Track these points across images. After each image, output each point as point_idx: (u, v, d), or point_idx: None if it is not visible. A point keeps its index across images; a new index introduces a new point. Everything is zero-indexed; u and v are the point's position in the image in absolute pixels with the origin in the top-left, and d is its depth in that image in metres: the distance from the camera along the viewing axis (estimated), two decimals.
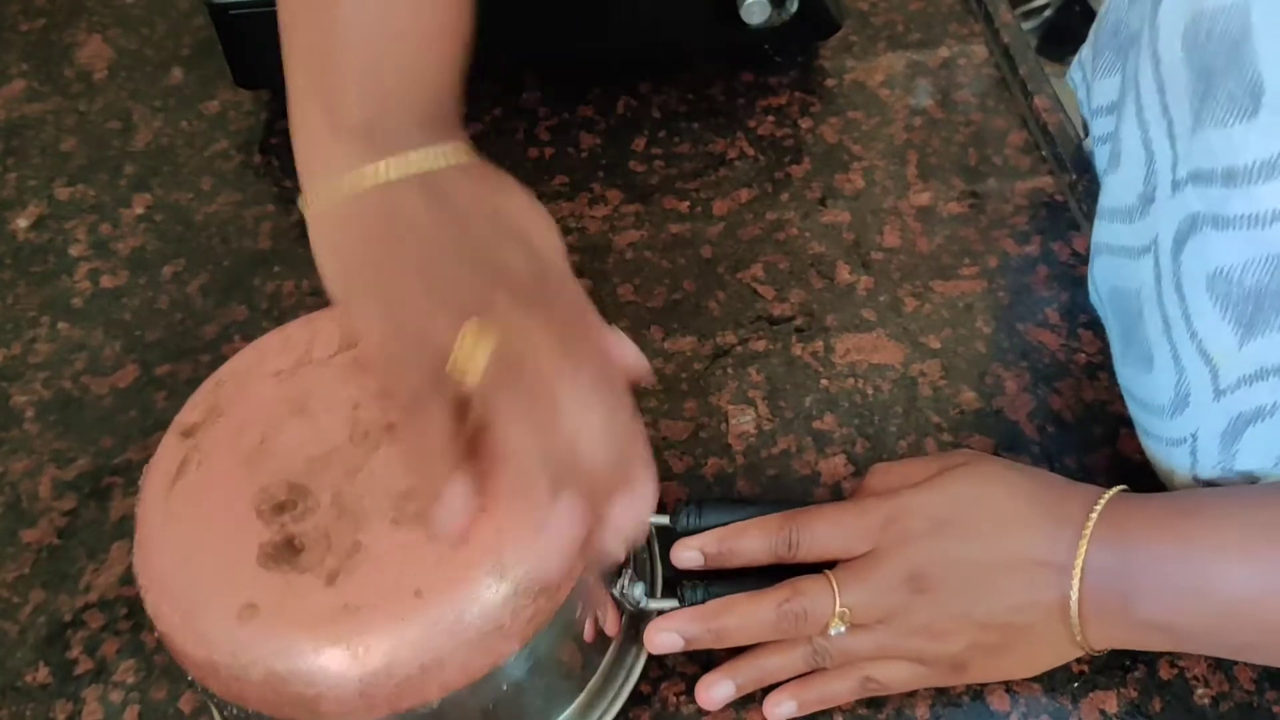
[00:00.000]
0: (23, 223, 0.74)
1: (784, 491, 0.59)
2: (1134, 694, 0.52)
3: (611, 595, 0.50)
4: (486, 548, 0.44)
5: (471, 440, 0.44)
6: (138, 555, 0.46)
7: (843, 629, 0.49)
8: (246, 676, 0.43)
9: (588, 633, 0.49)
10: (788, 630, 0.50)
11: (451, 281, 0.45)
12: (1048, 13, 1.19)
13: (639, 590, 0.51)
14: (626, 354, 0.48)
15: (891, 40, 0.81)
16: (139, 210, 0.74)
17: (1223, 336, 0.48)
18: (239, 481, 0.46)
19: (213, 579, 0.44)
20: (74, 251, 0.72)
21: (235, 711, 0.45)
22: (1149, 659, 0.53)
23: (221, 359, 0.65)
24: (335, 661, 0.42)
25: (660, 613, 0.52)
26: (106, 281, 0.70)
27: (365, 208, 0.48)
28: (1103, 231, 0.58)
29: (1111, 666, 0.52)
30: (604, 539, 0.43)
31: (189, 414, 0.49)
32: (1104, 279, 0.59)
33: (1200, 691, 0.52)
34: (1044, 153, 0.74)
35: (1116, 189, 0.55)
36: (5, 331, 0.68)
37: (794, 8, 0.73)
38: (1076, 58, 0.69)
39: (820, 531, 0.50)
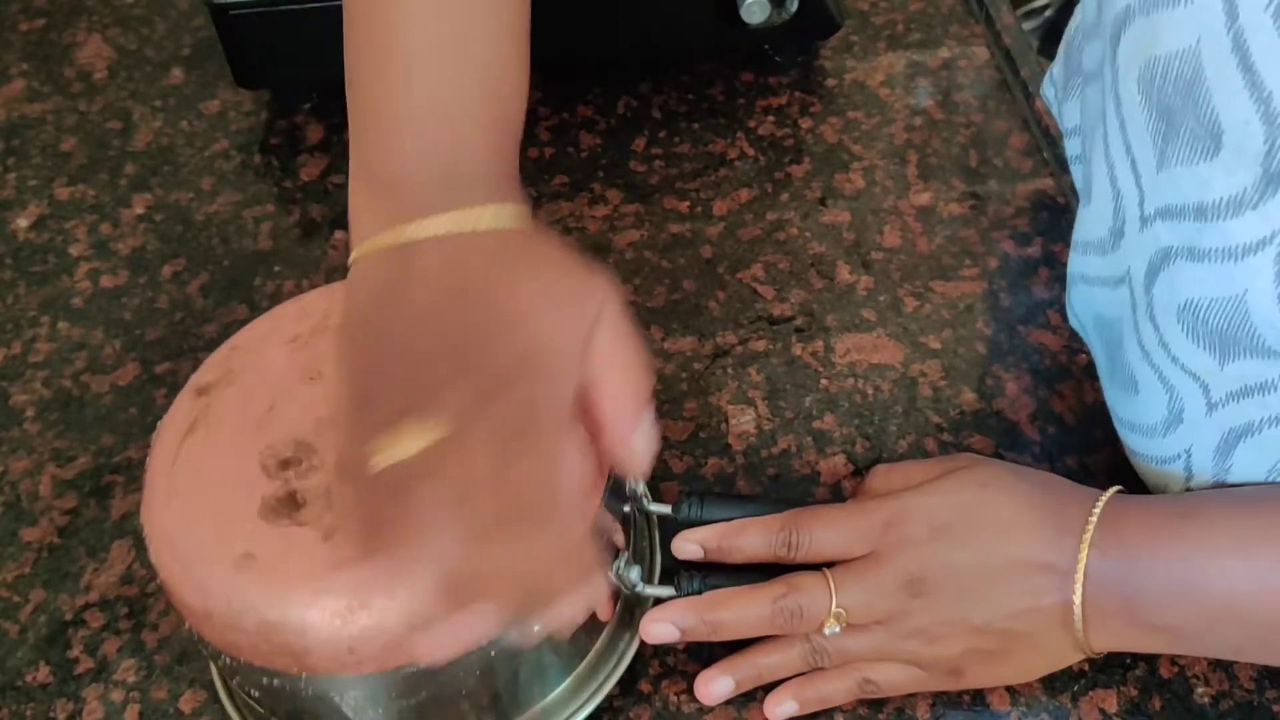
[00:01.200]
0: (23, 223, 0.74)
1: (784, 491, 0.59)
2: (1134, 693, 0.52)
3: (607, 578, 0.50)
4: None
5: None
6: (145, 505, 0.47)
7: (838, 629, 0.49)
8: (240, 625, 0.43)
9: None
10: (782, 626, 0.50)
11: (416, 364, 0.43)
12: (1049, 13, 1.19)
13: (635, 574, 0.51)
14: (627, 451, 0.46)
15: (892, 40, 0.81)
16: (139, 210, 0.74)
17: (1202, 360, 0.48)
18: (247, 439, 0.47)
19: (214, 529, 0.45)
20: (74, 251, 0.72)
21: (229, 663, 0.46)
22: (1149, 658, 0.53)
23: None
24: (326, 615, 0.43)
25: (656, 600, 0.52)
26: (106, 281, 0.70)
27: (378, 265, 0.46)
28: (1078, 263, 0.58)
29: (1112, 665, 0.52)
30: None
31: (204, 375, 0.50)
32: (1084, 307, 0.59)
33: (1200, 690, 0.52)
34: (1045, 154, 0.74)
35: (1089, 222, 0.55)
36: (5, 331, 0.68)
37: (794, 8, 0.73)
38: (1048, 74, 0.69)
39: (820, 533, 0.50)
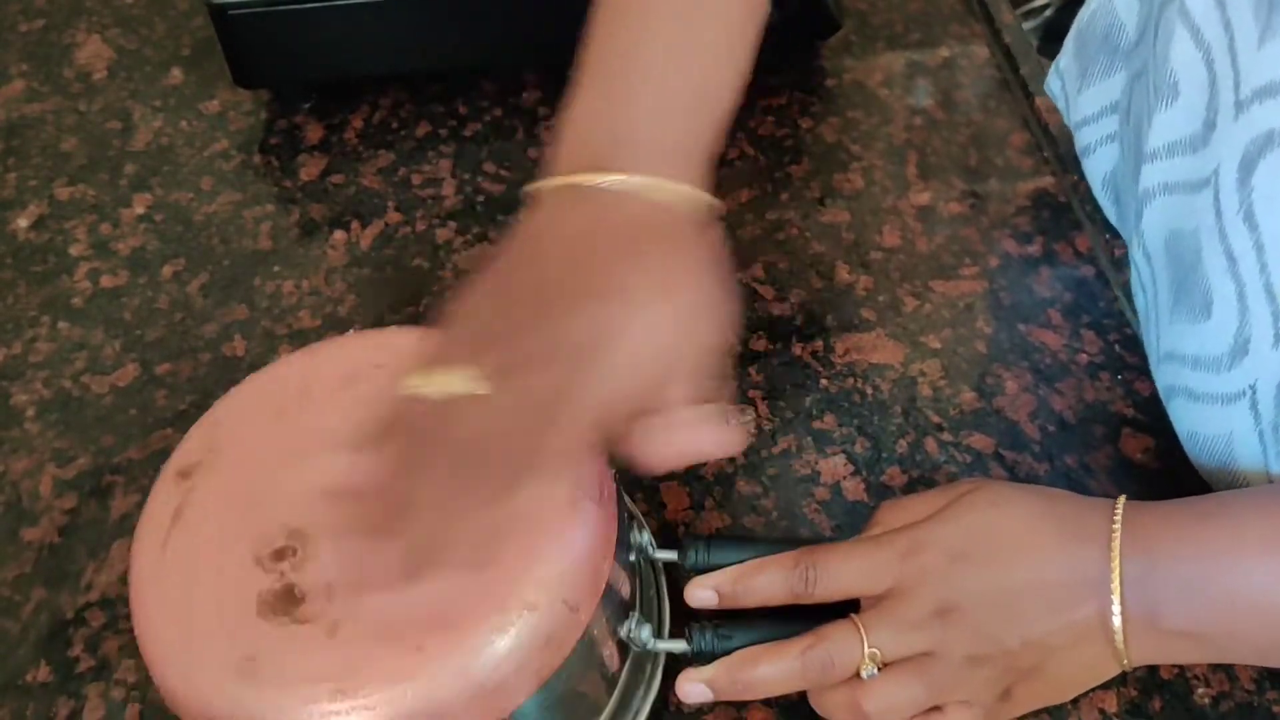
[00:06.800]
0: (23, 223, 0.74)
1: (784, 491, 0.59)
2: (1134, 693, 0.52)
3: (618, 638, 0.49)
4: (490, 599, 0.42)
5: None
6: (134, 605, 0.45)
7: (875, 671, 0.47)
8: None
9: (594, 679, 0.48)
10: (816, 679, 0.48)
11: (508, 308, 0.43)
12: (1048, 13, 1.19)
13: (646, 632, 0.50)
14: (667, 447, 0.44)
15: (891, 40, 0.81)
16: (139, 210, 0.74)
17: None
18: (237, 527, 0.45)
19: (211, 631, 0.43)
20: (74, 251, 0.72)
21: None
22: None
23: (222, 358, 0.66)
24: (337, 718, 0.41)
25: (670, 654, 0.51)
26: (106, 281, 0.70)
27: (551, 200, 0.45)
28: (1158, 172, 0.55)
29: None
30: None
31: (186, 455, 0.48)
32: (1161, 224, 0.56)
33: (1200, 691, 0.52)
34: (1045, 153, 0.74)
35: (1178, 119, 0.53)
36: (5, 331, 0.68)
37: (794, 6, 0.73)
38: (1054, 67, 0.69)
39: (837, 567, 0.49)
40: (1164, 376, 0.57)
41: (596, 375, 0.41)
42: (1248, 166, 0.47)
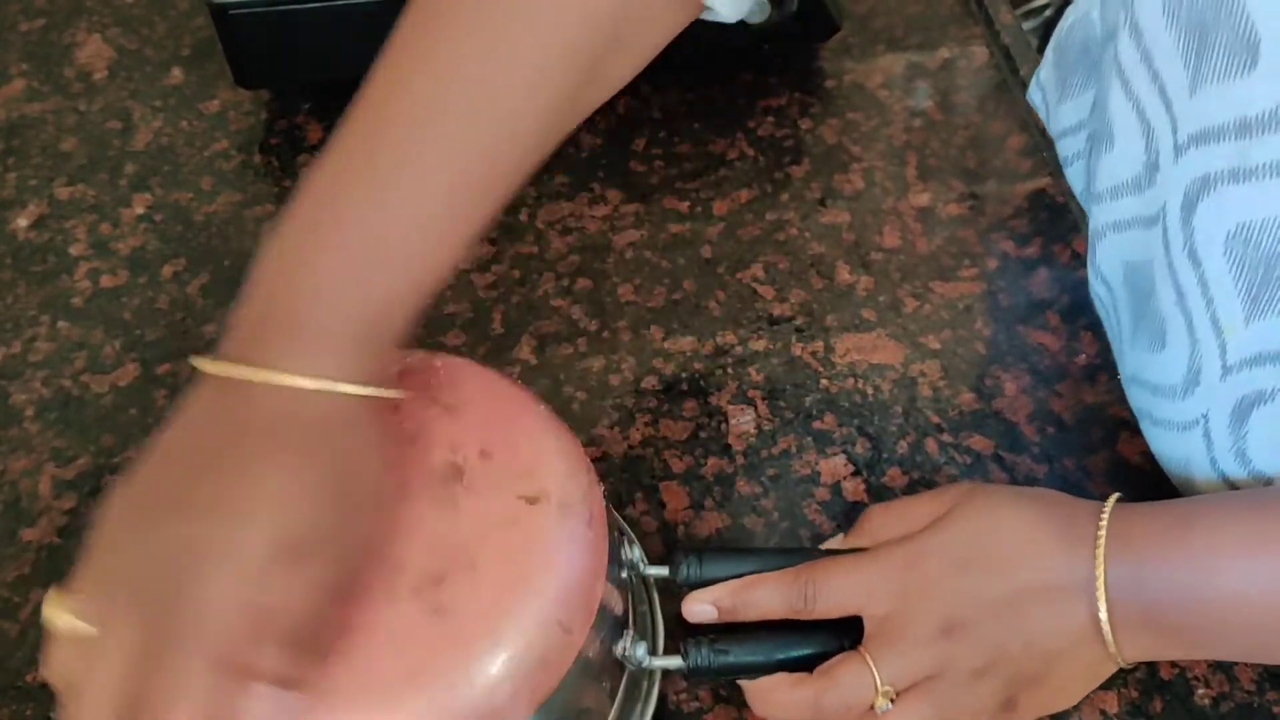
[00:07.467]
0: (23, 222, 0.74)
1: (784, 491, 0.59)
2: (1134, 694, 0.52)
3: (614, 656, 0.49)
4: (482, 625, 0.42)
5: None
6: None
7: (889, 706, 0.47)
8: None
9: (590, 699, 0.48)
10: (832, 719, 0.48)
11: (133, 521, 0.42)
12: (1048, 13, 1.19)
13: (641, 650, 0.49)
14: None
15: (891, 42, 0.81)
16: (139, 210, 0.74)
17: (1232, 307, 0.47)
18: None
19: None
20: (74, 251, 0.72)
21: None
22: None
23: None
24: None
25: (665, 671, 0.51)
26: (106, 281, 0.70)
27: (205, 390, 0.44)
28: (1105, 213, 0.56)
29: None
30: None
31: None
32: (1113, 259, 0.57)
33: (1201, 692, 0.52)
34: (1044, 155, 0.74)
35: (1117, 166, 0.54)
36: (5, 331, 0.68)
37: (794, 8, 0.73)
38: (1035, 79, 0.69)
39: (837, 583, 0.49)
40: (1132, 398, 0.57)
41: (180, 619, 0.38)
42: (1189, 207, 0.48)
